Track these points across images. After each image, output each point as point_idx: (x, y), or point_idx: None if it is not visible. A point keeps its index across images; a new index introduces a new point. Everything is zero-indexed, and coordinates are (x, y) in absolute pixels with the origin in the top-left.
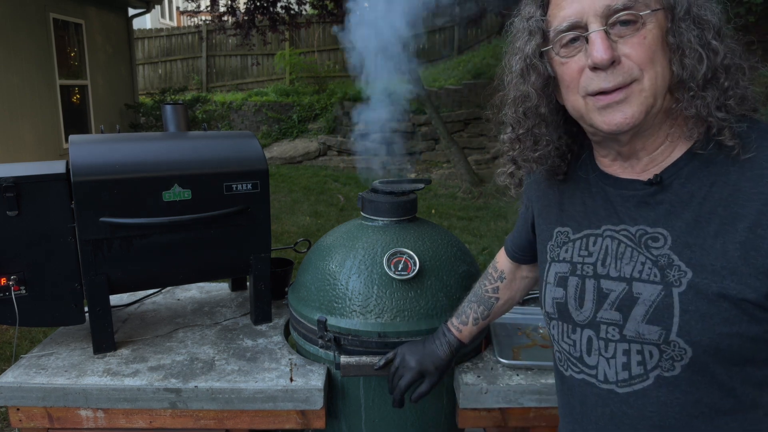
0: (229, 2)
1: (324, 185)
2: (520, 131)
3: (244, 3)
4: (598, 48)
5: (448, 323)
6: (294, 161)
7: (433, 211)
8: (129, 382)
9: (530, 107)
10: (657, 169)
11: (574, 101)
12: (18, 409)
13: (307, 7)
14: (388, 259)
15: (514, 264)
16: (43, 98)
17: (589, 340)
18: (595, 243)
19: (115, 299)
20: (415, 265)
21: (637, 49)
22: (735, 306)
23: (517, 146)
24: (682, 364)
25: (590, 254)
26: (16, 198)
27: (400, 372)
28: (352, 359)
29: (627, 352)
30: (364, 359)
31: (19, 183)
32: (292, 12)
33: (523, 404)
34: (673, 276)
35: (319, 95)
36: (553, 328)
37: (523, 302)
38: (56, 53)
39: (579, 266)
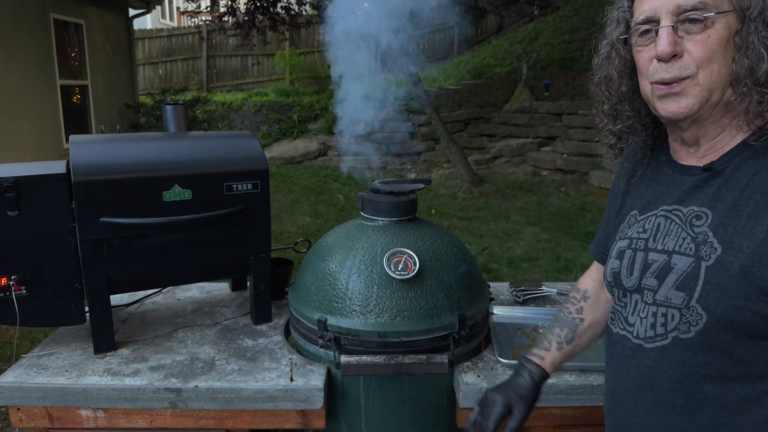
0: (230, 2)
1: (324, 185)
2: (605, 107)
3: (245, 3)
4: (663, 41)
5: (528, 354)
6: (294, 161)
7: (433, 211)
8: (129, 381)
9: (613, 86)
10: (714, 156)
11: (644, 86)
12: (18, 409)
13: (307, 7)
14: (388, 259)
15: (598, 284)
16: (44, 98)
17: (636, 303)
18: (650, 222)
19: (115, 299)
20: (415, 264)
21: (698, 46)
22: (753, 284)
23: (605, 120)
24: (696, 328)
25: (645, 231)
26: (17, 198)
27: (486, 411)
28: (352, 359)
29: (655, 314)
30: (364, 359)
31: (19, 183)
32: (292, 12)
33: None
34: (705, 251)
35: (319, 95)
36: (613, 294)
37: (523, 302)
38: (56, 53)
39: (635, 241)
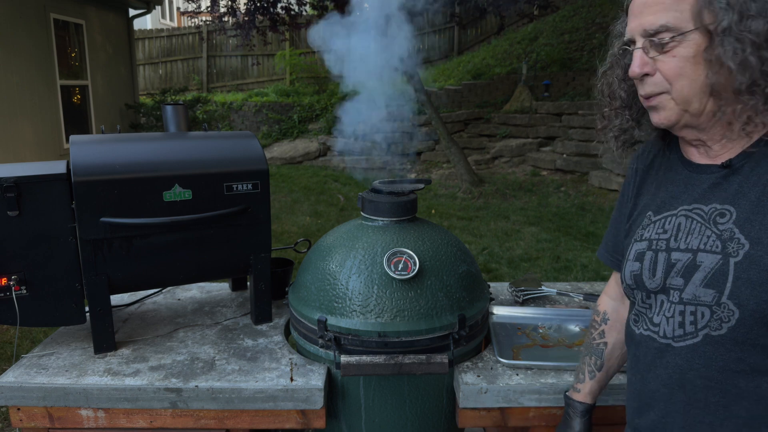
0: (230, 3)
1: (324, 185)
2: (606, 110)
3: (245, 3)
4: (634, 63)
5: (568, 392)
6: (294, 161)
7: (433, 211)
8: (129, 381)
9: (614, 91)
10: (730, 155)
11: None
12: (19, 409)
13: (307, 7)
14: (388, 259)
15: (617, 301)
16: (44, 98)
17: (662, 303)
18: (670, 222)
19: (115, 299)
20: (415, 264)
21: (666, 65)
22: None
23: (604, 121)
24: (729, 325)
25: (665, 231)
26: (17, 198)
27: None
28: (352, 359)
29: (683, 313)
30: (364, 359)
31: (19, 183)
32: (292, 12)
33: (522, 404)
34: (732, 247)
35: (319, 95)
36: (634, 297)
37: (523, 302)
38: (56, 53)
39: (655, 242)
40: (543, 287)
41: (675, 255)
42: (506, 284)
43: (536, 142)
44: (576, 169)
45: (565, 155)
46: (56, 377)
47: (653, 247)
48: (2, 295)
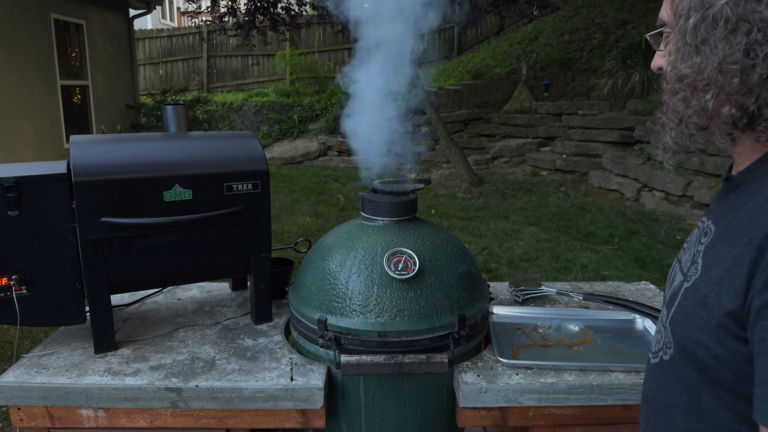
0: (230, 3)
1: (324, 185)
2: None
3: (245, 4)
4: (655, 56)
5: None
6: (294, 161)
7: (433, 211)
8: (130, 381)
9: None
10: (741, 168)
11: None
12: (19, 409)
13: (308, 7)
14: (388, 259)
15: None
16: (44, 98)
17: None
18: (694, 232)
19: (115, 299)
20: (415, 264)
21: (661, 61)
22: (709, 315)
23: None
24: (670, 352)
25: (689, 241)
26: (17, 198)
27: None
28: (352, 359)
29: (659, 330)
30: (365, 358)
31: (20, 183)
32: (292, 13)
33: (522, 403)
34: (691, 272)
35: (319, 95)
36: None
37: (523, 302)
38: (57, 53)
39: (681, 250)
40: (543, 287)
41: (676, 268)
42: (506, 284)
43: (536, 142)
44: (576, 169)
45: (564, 155)
46: (56, 377)
47: (679, 255)
48: (2, 294)
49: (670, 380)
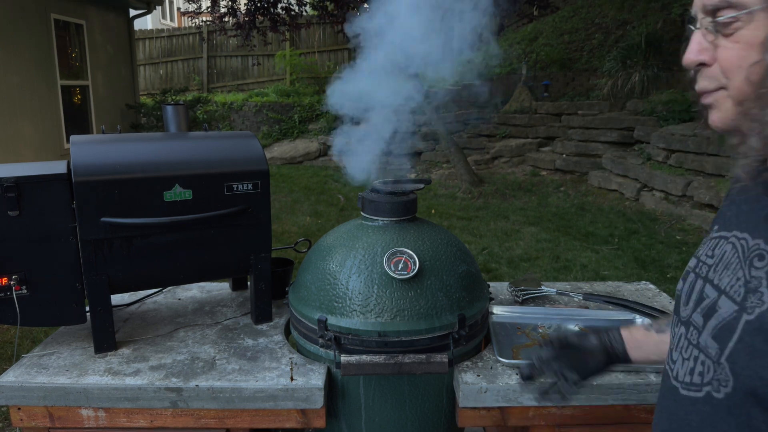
0: (230, 3)
1: (324, 185)
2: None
3: (245, 4)
4: (689, 48)
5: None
6: (294, 161)
7: (433, 211)
8: (130, 381)
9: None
10: None
11: None
12: (19, 409)
13: (308, 8)
14: (388, 259)
15: None
16: (44, 99)
17: (681, 336)
18: (719, 246)
19: (116, 299)
20: (414, 264)
21: (725, 53)
22: None
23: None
24: (726, 390)
25: (712, 256)
26: (17, 198)
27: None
28: (353, 358)
29: (696, 359)
30: (365, 358)
31: (20, 183)
32: (292, 13)
33: (522, 403)
34: (751, 302)
35: (319, 95)
36: (673, 317)
37: (523, 302)
38: (57, 53)
39: (700, 265)
40: (543, 287)
41: (708, 289)
42: (506, 284)
43: (536, 142)
44: (575, 169)
45: (564, 155)
46: (57, 377)
47: (697, 269)
48: (3, 294)
49: (722, 421)
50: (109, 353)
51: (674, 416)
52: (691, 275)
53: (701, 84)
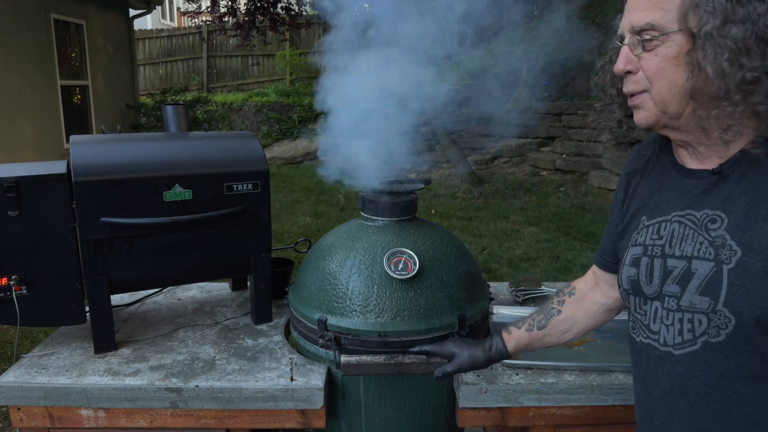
0: (230, 3)
1: (324, 185)
2: (597, 104)
3: (245, 4)
4: (619, 59)
5: (502, 328)
6: (294, 161)
7: (433, 211)
8: (130, 381)
9: (606, 87)
10: (718, 160)
11: None
12: (19, 409)
13: (307, 7)
14: (388, 259)
15: (589, 286)
16: (44, 98)
17: (656, 310)
18: (665, 228)
19: (115, 299)
20: (415, 264)
21: (648, 64)
22: None
23: (597, 115)
24: (726, 331)
25: (660, 237)
26: (17, 198)
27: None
28: (353, 359)
29: (681, 320)
30: (365, 359)
31: (20, 183)
32: (292, 12)
33: (522, 403)
34: (725, 254)
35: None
36: (630, 302)
37: (523, 302)
38: (57, 53)
39: (650, 248)
40: (543, 287)
41: (671, 262)
42: (506, 284)
43: (536, 142)
44: (575, 169)
45: (564, 155)
46: (57, 377)
47: (648, 252)
48: (2, 295)
49: (727, 358)
50: (109, 353)
51: (675, 376)
52: (644, 259)
53: (628, 88)
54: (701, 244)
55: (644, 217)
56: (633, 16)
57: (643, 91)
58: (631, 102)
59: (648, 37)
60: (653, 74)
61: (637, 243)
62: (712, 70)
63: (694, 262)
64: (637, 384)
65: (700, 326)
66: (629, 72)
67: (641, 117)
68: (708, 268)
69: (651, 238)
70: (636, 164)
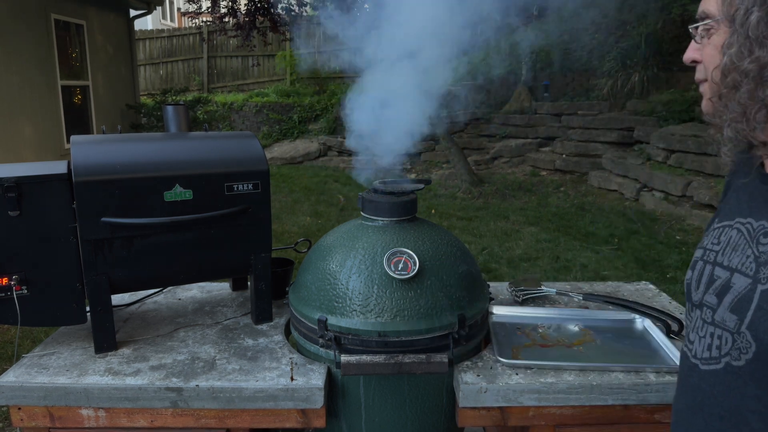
0: (230, 3)
1: (324, 185)
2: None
3: (245, 4)
4: (687, 49)
5: None
6: (294, 161)
7: (433, 211)
8: (130, 381)
9: None
10: None
11: None
12: (19, 409)
13: (308, 8)
14: (388, 259)
15: None
16: (45, 99)
17: (696, 319)
18: (725, 234)
19: (116, 299)
20: (414, 264)
21: (705, 51)
22: None
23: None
24: (746, 357)
25: (718, 243)
26: (18, 198)
27: None
28: (353, 358)
29: (712, 335)
30: (365, 358)
31: (20, 183)
32: (292, 13)
33: (522, 403)
34: (764, 273)
35: (319, 96)
36: (687, 305)
37: (522, 302)
38: (57, 54)
39: (707, 253)
40: (542, 287)
41: (717, 271)
42: (506, 284)
43: (536, 142)
44: (575, 169)
45: (564, 155)
46: (57, 377)
47: (704, 257)
48: (3, 294)
49: (745, 385)
50: (110, 353)
51: (698, 391)
52: (699, 263)
53: (696, 75)
54: (747, 257)
55: (717, 219)
56: (701, 4)
57: (705, 80)
58: (701, 89)
59: (703, 24)
60: (707, 63)
61: (702, 245)
62: (727, 58)
63: (735, 275)
64: (676, 389)
65: (726, 345)
66: (695, 61)
67: (703, 105)
68: (744, 284)
69: (711, 243)
70: (735, 166)
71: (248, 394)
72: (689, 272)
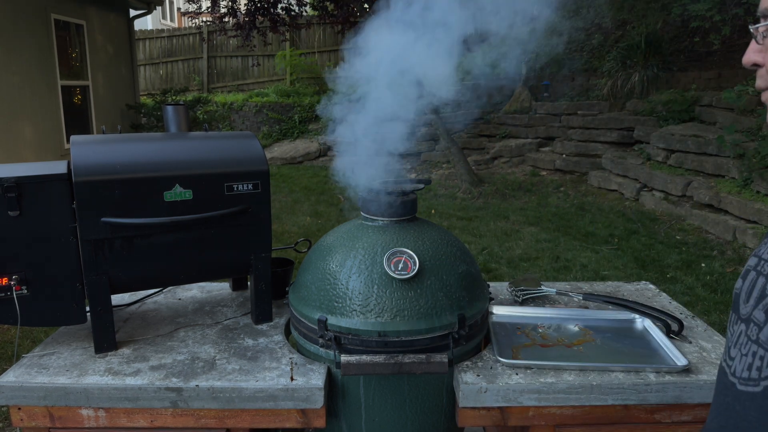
0: (230, 3)
1: (324, 185)
2: None
3: (245, 4)
4: (746, 50)
5: None
6: (294, 161)
7: (433, 211)
8: (130, 381)
9: None
10: None
11: None
12: (19, 409)
13: (308, 8)
14: (388, 259)
15: None
16: (45, 99)
17: (740, 334)
18: None
19: (116, 299)
20: (414, 264)
21: (767, 55)
22: None
23: None
24: None
25: None
26: (18, 198)
27: None
28: (353, 358)
29: (755, 354)
30: (365, 358)
31: (20, 183)
32: (292, 13)
33: (522, 403)
34: None
35: (319, 96)
36: (731, 315)
37: (522, 302)
38: (57, 54)
39: (763, 263)
40: (542, 287)
41: (761, 282)
42: (506, 284)
43: (536, 142)
44: (575, 169)
45: (564, 155)
46: (57, 377)
47: (758, 267)
48: (3, 294)
49: None
50: (110, 353)
51: (732, 412)
52: (752, 273)
53: (758, 83)
54: None
55: None
56: (761, 1)
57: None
58: (762, 98)
59: (762, 25)
60: None
61: (757, 254)
62: None
63: None
64: (711, 405)
65: (766, 369)
66: (756, 64)
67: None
68: None
69: (767, 253)
70: None
71: (248, 394)
72: (739, 281)
